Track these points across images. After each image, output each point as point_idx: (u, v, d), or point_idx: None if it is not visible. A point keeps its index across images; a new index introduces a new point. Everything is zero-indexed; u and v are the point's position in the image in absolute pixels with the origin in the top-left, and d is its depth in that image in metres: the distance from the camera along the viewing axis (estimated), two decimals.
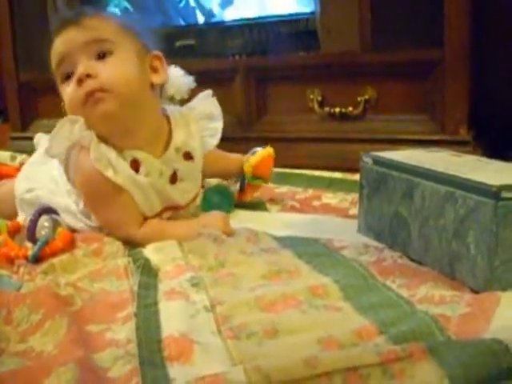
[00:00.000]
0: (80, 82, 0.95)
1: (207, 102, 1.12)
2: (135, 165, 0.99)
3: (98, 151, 0.96)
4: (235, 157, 1.27)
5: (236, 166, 1.25)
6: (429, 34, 1.50)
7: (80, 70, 0.96)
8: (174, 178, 1.04)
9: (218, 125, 1.11)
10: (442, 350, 0.53)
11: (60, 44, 0.99)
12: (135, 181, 0.98)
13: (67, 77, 0.99)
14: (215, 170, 1.20)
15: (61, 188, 1.07)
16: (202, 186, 1.13)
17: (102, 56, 0.98)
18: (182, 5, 1.99)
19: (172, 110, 1.08)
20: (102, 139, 0.97)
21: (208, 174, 1.16)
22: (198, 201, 1.12)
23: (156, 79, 1.03)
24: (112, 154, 0.97)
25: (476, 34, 1.50)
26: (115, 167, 0.97)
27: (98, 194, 0.99)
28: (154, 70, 1.03)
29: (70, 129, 0.96)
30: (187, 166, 1.06)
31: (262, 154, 1.17)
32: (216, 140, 1.11)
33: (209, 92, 1.13)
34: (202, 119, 1.10)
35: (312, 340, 0.59)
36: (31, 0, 2.21)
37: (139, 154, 1.00)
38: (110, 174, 0.96)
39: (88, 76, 0.95)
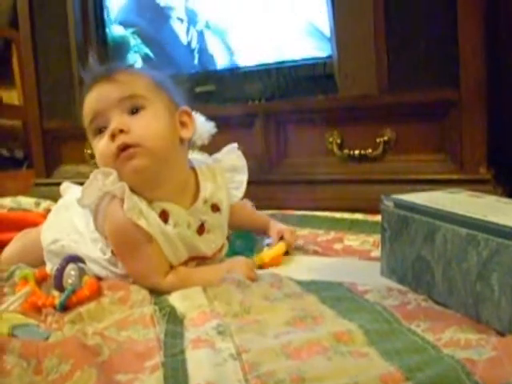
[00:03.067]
0: (113, 136, 0.97)
1: (233, 155, 1.14)
2: (164, 216, 1.01)
3: (131, 201, 0.97)
4: (261, 217, 1.30)
5: (260, 226, 1.27)
6: (445, 75, 1.52)
7: (113, 125, 0.98)
8: (201, 230, 1.05)
9: (243, 178, 1.13)
10: None
11: (93, 100, 1.01)
12: (164, 231, 1.00)
13: (99, 131, 1.01)
14: (239, 224, 1.21)
15: (85, 237, 1.08)
16: (227, 238, 1.13)
17: (134, 111, 1.00)
18: (200, 51, 2.03)
19: (198, 162, 1.10)
20: (133, 191, 0.99)
21: (232, 227, 1.17)
22: (224, 252, 1.12)
23: (185, 134, 1.04)
24: (143, 204, 0.99)
25: (493, 72, 1.51)
26: (146, 217, 0.98)
27: (129, 242, 1.00)
28: (183, 124, 1.05)
29: (103, 181, 0.98)
30: (214, 218, 1.07)
31: (276, 252, 1.17)
32: (241, 193, 1.13)
33: (234, 145, 1.15)
34: (228, 172, 1.12)
35: None
36: (56, 50, 2.26)
37: (168, 206, 1.01)
38: (142, 223, 0.97)
39: (121, 131, 0.97)
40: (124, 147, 0.97)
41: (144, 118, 0.99)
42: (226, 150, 1.14)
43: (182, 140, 1.04)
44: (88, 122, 1.02)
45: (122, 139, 0.97)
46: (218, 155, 1.14)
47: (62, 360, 0.70)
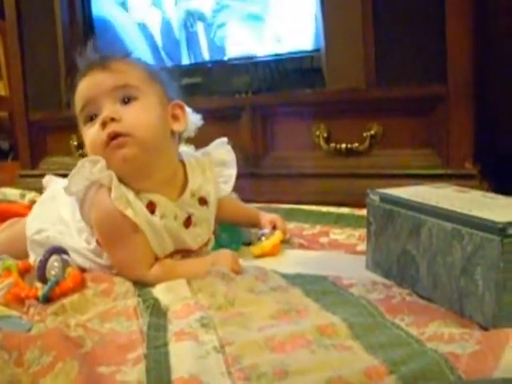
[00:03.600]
0: (104, 124, 0.97)
1: (222, 149, 1.13)
2: (151, 207, 1.00)
3: (118, 191, 0.97)
4: (250, 209, 1.30)
5: (249, 219, 1.27)
6: (432, 70, 1.52)
7: (105, 113, 0.98)
8: (188, 222, 1.05)
9: (232, 172, 1.13)
10: None
11: (86, 87, 1.01)
12: (150, 222, 0.99)
13: (90, 118, 1.00)
14: (228, 218, 1.21)
15: (70, 228, 1.08)
16: (213, 232, 1.13)
17: (126, 101, 0.99)
18: (188, 43, 2.02)
19: (187, 155, 1.10)
20: (120, 180, 0.98)
21: (220, 220, 1.17)
22: (210, 246, 1.12)
23: (177, 127, 1.04)
24: (130, 194, 0.99)
25: (480, 68, 1.51)
26: (133, 207, 0.98)
27: (115, 232, 0.99)
28: (176, 118, 1.05)
29: (90, 169, 0.98)
30: (202, 211, 1.07)
31: (275, 240, 1.18)
32: (229, 187, 1.13)
33: (224, 139, 1.15)
34: (217, 166, 1.12)
35: (321, 381, 0.59)
36: (42, 41, 2.25)
37: (155, 197, 1.01)
38: (129, 213, 0.97)
39: (112, 120, 0.97)
40: (114, 135, 0.97)
41: (136, 108, 0.99)
42: (215, 143, 1.14)
43: (173, 133, 1.04)
44: (79, 108, 1.02)
45: (112, 127, 0.97)
46: (207, 149, 1.14)
47: (44, 352, 0.70)
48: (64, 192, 1.01)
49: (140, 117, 0.98)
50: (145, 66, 1.06)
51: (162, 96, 1.04)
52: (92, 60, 1.03)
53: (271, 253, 1.16)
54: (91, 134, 0.99)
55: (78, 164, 0.99)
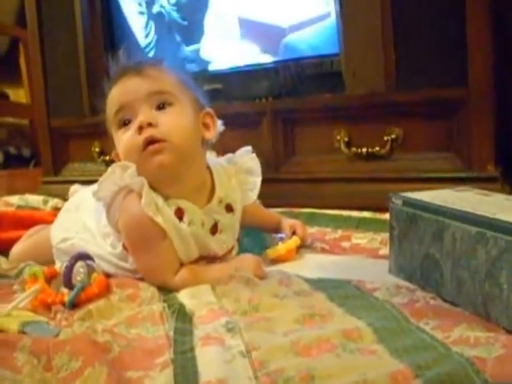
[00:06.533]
0: (140, 129, 0.97)
1: (248, 158, 1.14)
2: (179, 213, 1.01)
3: (148, 197, 0.97)
4: (272, 215, 1.31)
5: (272, 224, 1.28)
6: (453, 73, 1.51)
7: (141, 118, 0.98)
8: (214, 229, 1.06)
9: (258, 180, 1.13)
10: None
11: (121, 92, 1.01)
12: (178, 228, 1.00)
13: (124, 123, 1.01)
14: (251, 223, 1.21)
15: (95, 236, 1.09)
16: (237, 239, 1.14)
17: (161, 107, 1.00)
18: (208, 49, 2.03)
19: (214, 162, 1.10)
20: (150, 186, 0.99)
21: (243, 225, 1.17)
22: (234, 253, 1.13)
23: (208, 136, 1.05)
24: (159, 200, 0.99)
25: (500, 70, 1.51)
26: (162, 214, 0.98)
27: (143, 237, 1.00)
28: (206, 126, 1.06)
29: (121, 174, 0.99)
30: (228, 218, 1.08)
31: (290, 245, 1.19)
32: (255, 194, 1.14)
33: (249, 148, 1.15)
34: (243, 173, 1.12)
35: None
36: (63, 49, 2.27)
37: (183, 203, 1.02)
38: (158, 219, 0.98)
39: (149, 125, 0.97)
40: (151, 141, 0.97)
41: (171, 115, 1.00)
42: (240, 152, 1.15)
43: (203, 141, 1.05)
44: (113, 113, 1.02)
45: (149, 132, 0.97)
46: (232, 156, 1.14)
47: (73, 357, 0.70)
48: (92, 197, 1.02)
49: (176, 123, 0.99)
50: (177, 72, 1.07)
51: (195, 103, 1.04)
52: (126, 66, 1.03)
53: (285, 257, 1.16)
54: (126, 138, 0.99)
55: (108, 169, 1.00)
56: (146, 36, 2.19)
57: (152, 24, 2.17)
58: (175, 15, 2.10)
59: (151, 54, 2.15)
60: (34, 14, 2.33)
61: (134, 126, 0.98)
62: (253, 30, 1.95)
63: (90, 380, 0.66)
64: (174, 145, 0.97)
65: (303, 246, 1.24)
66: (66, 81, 2.30)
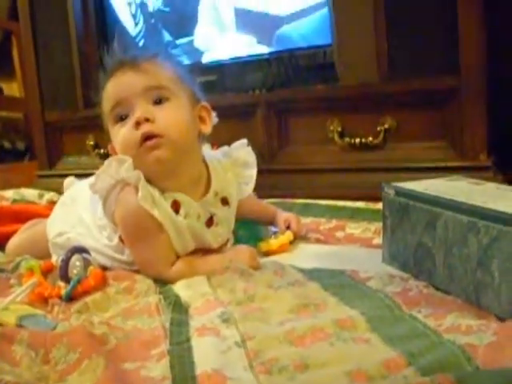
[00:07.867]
0: (137, 124, 0.98)
1: (243, 151, 1.14)
2: (175, 206, 1.01)
3: (145, 190, 0.98)
4: (267, 207, 1.31)
5: (267, 217, 1.28)
6: (445, 62, 1.52)
7: (138, 113, 0.98)
8: (210, 222, 1.06)
9: (253, 172, 1.13)
10: (471, 380, 0.54)
11: (117, 87, 1.01)
12: (174, 221, 1.01)
13: (121, 118, 1.01)
14: (246, 214, 1.21)
15: (90, 229, 1.09)
16: (232, 231, 1.14)
17: (158, 102, 1.00)
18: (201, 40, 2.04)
19: (209, 156, 1.11)
20: (146, 179, 0.99)
21: (238, 217, 1.17)
22: (229, 245, 1.13)
23: (204, 129, 1.05)
24: (156, 193, 1.00)
25: (493, 60, 1.51)
26: (158, 207, 0.99)
27: (139, 230, 1.01)
28: (202, 120, 1.06)
29: (117, 168, 0.99)
30: (223, 211, 1.08)
31: (283, 240, 1.19)
32: (250, 188, 1.14)
33: (244, 141, 1.15)
34: (238, 166, 1.12)
35: (341, 373, 0.60)
36: (56, 41, 2.27)
37: (180, 196, 1.02)
38: (155, 212, 0.98)
39: (146, 120, 0.97)
40: (148, 136, 0.97)
41: (168, 109, 1.00)
42: (235, 145, 1.15)
43: (199, 134, 1.05)
44: (109, 108, 1.02)
45: (147, 127, 0.97)
46: (227, 150, 1.14)
47: (70, 349, 0.71)
48: (88, 189, 1.03)
49: (173, 118, 0.99)
50: (173, 66, 1.06)
51: (191, 97, 1.04)
52: (121, 59, 1.03)
53: (277, 252, 1.16)
54: (123, 133, 0.99)
55: (104, 163, 1.00)
56: (136, 25, 2.18)
57: (143, 14, 2.17)
58: (165, 6, 2.10)
59: (145, 45, 2.15)
60: (27, 7, 2.33)
61: (131, 122, 0.98)
62: (247, 20, 1.95)
63: (87, 371, 0.66)
64: (171, 140, 0.98)
65: (295, 241, 1.24)
66: (60, 74, 2.30)
